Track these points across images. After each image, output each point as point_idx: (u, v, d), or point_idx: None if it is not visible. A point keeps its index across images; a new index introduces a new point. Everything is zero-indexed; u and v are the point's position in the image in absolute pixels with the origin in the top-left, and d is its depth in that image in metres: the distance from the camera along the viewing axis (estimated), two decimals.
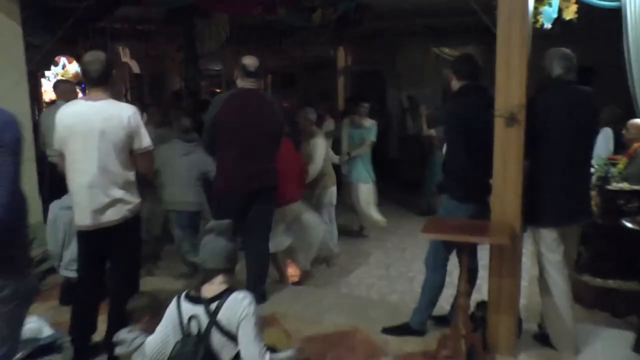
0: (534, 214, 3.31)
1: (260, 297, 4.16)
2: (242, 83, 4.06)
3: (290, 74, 13.40)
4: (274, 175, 4.17)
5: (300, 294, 4.83)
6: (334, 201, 6.03)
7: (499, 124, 3.21)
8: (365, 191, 6.86)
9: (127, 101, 11.67)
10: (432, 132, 7.87)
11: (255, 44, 11.53)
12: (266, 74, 13.42)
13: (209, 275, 2.46)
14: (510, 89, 3.15)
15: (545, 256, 3.33)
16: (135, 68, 12.87)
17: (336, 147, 6.81)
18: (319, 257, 5.68)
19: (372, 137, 6.88)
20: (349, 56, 12.17)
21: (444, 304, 3.99)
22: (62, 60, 12.18)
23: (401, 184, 9.76)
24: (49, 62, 11.37)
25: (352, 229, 7.28)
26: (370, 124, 6.99)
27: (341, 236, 6.40)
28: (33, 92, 11.68)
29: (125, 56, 12.40)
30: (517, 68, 3.12)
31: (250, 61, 4.08)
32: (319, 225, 5.23)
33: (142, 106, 8.04)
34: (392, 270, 5.87)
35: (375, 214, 6.94)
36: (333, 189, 5.95)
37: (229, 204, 4.00)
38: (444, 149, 3.99)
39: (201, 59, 9.33)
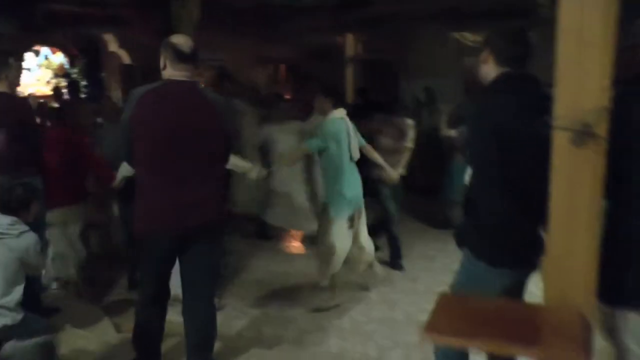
0: (616, 288, 2.03)
1: None
2: (170, 72, 2.83)
3: (295, 66, 12.19)
4: (221, 206, 2.95)
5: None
6: None
7: (561, 141, 1.91)
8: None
9: (121, 95, 10.63)
10: (453, 132, 6.55)
11: (251, 29, 10.39)
12: (270, 64, 12.27)
13: None
14: (581, 85, 1.85)
15: (633, 353, 2.05)
16: (126, 58, 11.69)
17: None
18: None
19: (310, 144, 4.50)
20: (358, 44, 10.90)
21: None
22: (44, 50, 11.07)
23: (414, 190, 8.44)
24: (20, 52, 10.21)
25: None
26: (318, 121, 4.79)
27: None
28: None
29: (114, 45, 11.23)
30: (597, 48, 1.81)
31: (181, 40, 2.86)
32: None
33: None
34: (397, 312, 4.59)
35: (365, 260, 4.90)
36: None
37: (152, 251, 2.82)
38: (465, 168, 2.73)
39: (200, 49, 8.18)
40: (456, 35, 9.48)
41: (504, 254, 2.22)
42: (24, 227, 2.91)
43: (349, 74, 10.86)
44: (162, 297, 2.98)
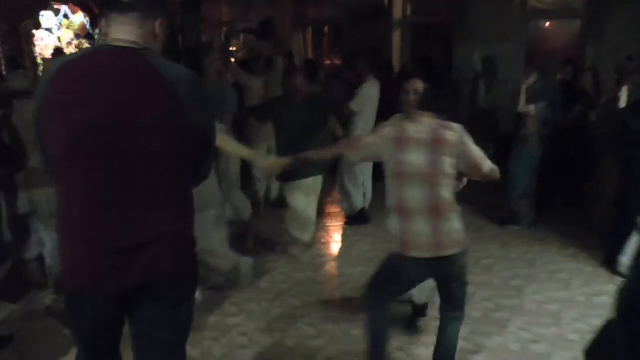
0: None
1: None
2: (110, 32, 1.79)
3: (334, 28, 11.02)
4: (183, 249, 1.88)
5: None
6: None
7: None
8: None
9: None
10: (532, 108, 5.37)
11: None
12: (305, 26, 11.15)
13: None
14: None
15: None
16: None
17: None
18: None
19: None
20: (407, 4, 9.65)
21: None
22: (64, 8, 10.22)
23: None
24: (35, 14, 9.40)
25: None
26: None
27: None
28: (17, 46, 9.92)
29: None
30: None
31: None
32: None
33: None
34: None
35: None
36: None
37: (79, 315, 1.86)
38: None
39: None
40: None
41: None
42: None
43: (397, 39, 9.66)
44: None
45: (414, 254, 2.66)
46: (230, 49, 12.29)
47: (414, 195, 2.63)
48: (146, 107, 1.71)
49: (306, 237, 4.88)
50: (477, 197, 6.30)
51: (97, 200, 1.72)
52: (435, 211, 2.63)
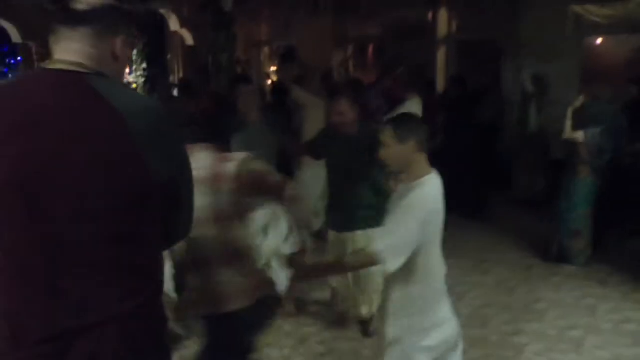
0: None
1: None
2: (53, 52, 1.39)
3: (377, 45, 10.66)
4: (140, 332, 1.40)
5: None
6: None
7: None
8: None
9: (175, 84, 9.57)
10: (579, 135, 4.85)
11: (329, 3, 9.05)
12: (347, 44, 10.84)
13: None
14: None
15: None
16: (189, 39, 10.67)
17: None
18: None
19: None
20: (453, 21, 9.21)
21: None
22: None
23: (515, 203, 6.79)
24: None
25: None
26: None
27: None
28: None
29: (175, 24, 10.22)
30: None
31: None
32: None
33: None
34: None
35: None
36: None
37: None
38: None
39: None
40: (577, 8, 7.54)
41: None
42: None
43: (441, 56, 9.22)
44: None
45: None
46: (272, 68, 12.11)
47: None
48: (83, 152, 1.29)
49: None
50: (524, 230, 5.82)
51: (19, 276, 1.33)
52: None
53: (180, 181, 1.49)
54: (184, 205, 1.54)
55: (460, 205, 6.09)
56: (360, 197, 3.44)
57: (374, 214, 3.15)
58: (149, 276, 1.45)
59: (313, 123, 5.00)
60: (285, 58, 6.66)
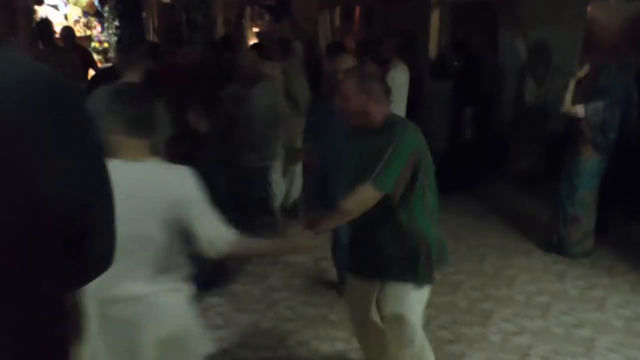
0: None
1: None
2: None
3: (367, 9, 10.03)
4: None
5: None
6: None
7: None
8: None
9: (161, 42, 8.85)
10: (580, 109, 4.34)
11: None
12: (332, 7, 10.23)
13: None
14: None
15: None
16: None
17: None
18: None
19: None
20: None
21: None
22: None
23: (511, 181, 6.35)
24: None
25: None
26: None
27: None
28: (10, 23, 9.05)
29: None
30: None
31: None
32: None
33: None
34: None
35: None
36: None
37: None
38: None
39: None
40: None
41: None
42: None
43: (435, 20, 8.65)
44: None
45: None
46: (254, 29, 11.44)
47: None
48: None
49: None
50: (521, 212, 5.40)
51: None
52: None
53: (92, 201, 0.96)
54: (100, 234, 1.03)
55: (453, 181, 5.70)
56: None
57: None
58: (43, 332, 0.91)
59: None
60: (278, 14, 6.07)
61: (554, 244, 4.61)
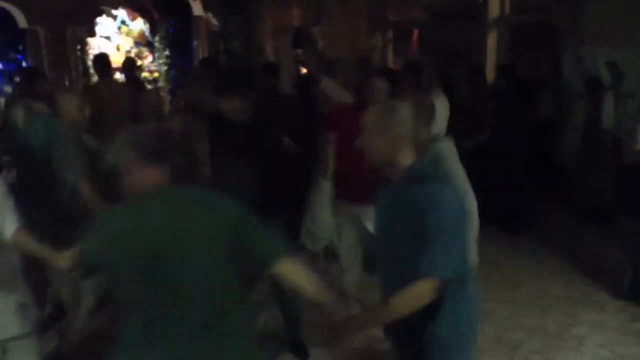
0: None
1: None
2: None
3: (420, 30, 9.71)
4: None
5: None
6: None
7: None
8: None
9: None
10: None
11: None
12: (386, 29, 9.95)
13: None
14: None
15: None
16: (213, 24, 9.87)
17: None
18: None
19: None
20: (506, 1, 8.18)
21: None
22: (121, 14, 9.56)
23: (578, 217, 5.73)
24: (85, 19, 8.63)
25: None
26: None
27: None
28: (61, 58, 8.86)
29: (198, 8, 9.44)
30: None
31: None
32: None
33: None
34: None
35: None
36: None
37: None
38: None
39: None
40: None
41: None
42: None
43: (492, 41, 8.16)
44: None
45: None
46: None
47: None
48: None
49: None
50: (592, 255, 4.80)
51: None
52: None
53: None
54: None
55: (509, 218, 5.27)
56: None
57: None
58: None
59: None
60: (300, 42, 5.80)
61: (631, 294, 4.03)
